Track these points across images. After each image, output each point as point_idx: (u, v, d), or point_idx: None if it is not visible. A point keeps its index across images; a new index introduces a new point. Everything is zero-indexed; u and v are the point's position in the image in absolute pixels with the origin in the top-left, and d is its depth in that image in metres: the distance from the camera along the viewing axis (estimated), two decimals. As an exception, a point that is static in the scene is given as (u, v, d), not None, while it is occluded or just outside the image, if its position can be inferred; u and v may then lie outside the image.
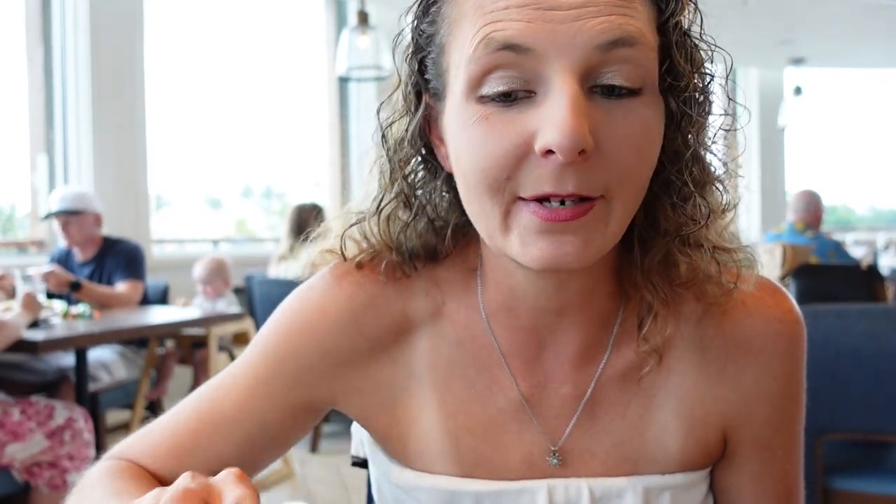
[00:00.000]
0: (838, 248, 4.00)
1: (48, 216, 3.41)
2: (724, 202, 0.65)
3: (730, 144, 0.65)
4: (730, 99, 0.64)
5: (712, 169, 0.64)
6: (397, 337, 0.69)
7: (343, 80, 5.43)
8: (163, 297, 3.76)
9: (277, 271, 3.84)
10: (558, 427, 0.68)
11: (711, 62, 0.61)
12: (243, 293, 4.14)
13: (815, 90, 7.48)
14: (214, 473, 0.59)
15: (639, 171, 0.56)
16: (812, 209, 3.97)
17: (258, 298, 3.76)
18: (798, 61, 7.31)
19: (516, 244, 0.56)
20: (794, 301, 0.70)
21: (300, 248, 3.73)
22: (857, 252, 5.08)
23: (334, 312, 0.69)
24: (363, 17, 4.17)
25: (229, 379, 0.71)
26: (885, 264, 4.97)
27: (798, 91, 6.96)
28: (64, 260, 3.53)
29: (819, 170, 8.94)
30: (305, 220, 3.75)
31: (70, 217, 3.37)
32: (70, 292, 3.14)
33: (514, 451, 0.68)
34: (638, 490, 0.66)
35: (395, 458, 0.71)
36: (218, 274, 3.88)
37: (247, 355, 0.72)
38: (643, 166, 0.56)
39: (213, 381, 0.72)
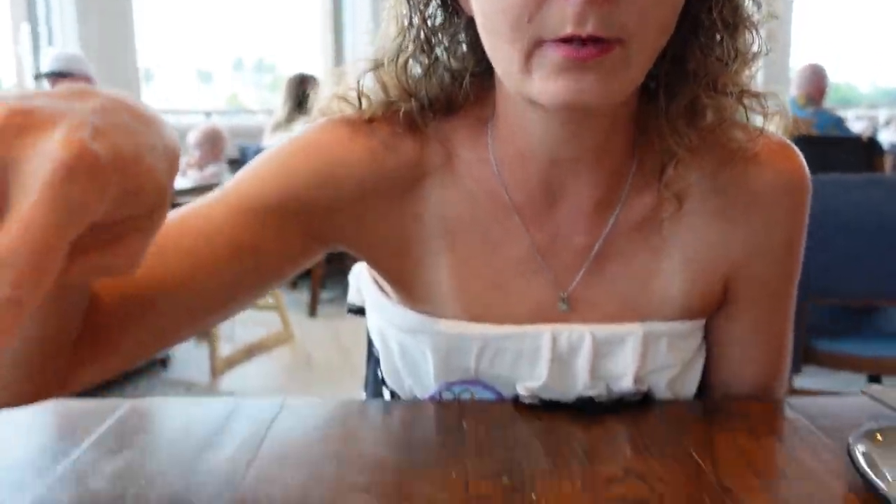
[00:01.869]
0: (840, 123, 3.95)
1: (38, 77, 3.31)
2: (755, 48, 0.63)
3: None
4: None
5: (745, 11, 0.62)
6: (410, 184, 0.67)
7: (335, -56, 5.18)
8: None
9: (272, 141, 3.80)
10: (568, 276, 0.69)
11: None
12: (238, 164, 4.11)
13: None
14: (187, 285, 0.56)
15: (660, 11, 0.55)
16: (815, 81, 3.89)
17: (254, 170, 3.72)
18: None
19: (536, 83, 0.55)
20: (803, 159, 0.69)
21: (296, 118, 3.67)
22: (858, 126, 5.03)
23: (352, 146, 0.65)
24: None
25: (220, 195, 0.63)
26: (885, 139, 4.92)
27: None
28: None
29: (824, 46, 8.70)
30: (304, 90, 3.66)
31: (60, 79, 3.25)
32: None
33: (523, 298, 0.69)
34: (638, 335, 0.68)
35: (402, 302, 0.72)
36: (208, 140, 3.82)
37: (244, 175, 0.65)
38: (665, 6, 0.55)
39: (200, 199, 0.63)
